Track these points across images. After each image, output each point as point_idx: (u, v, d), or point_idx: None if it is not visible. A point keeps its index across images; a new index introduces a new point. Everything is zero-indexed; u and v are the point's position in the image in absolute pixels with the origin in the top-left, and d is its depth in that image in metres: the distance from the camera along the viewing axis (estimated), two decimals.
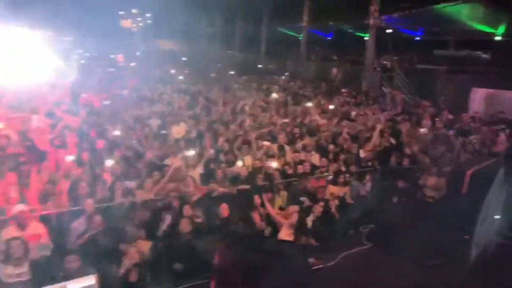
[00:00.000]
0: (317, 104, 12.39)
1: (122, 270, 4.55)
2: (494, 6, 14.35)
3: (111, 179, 5.91)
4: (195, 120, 8.93)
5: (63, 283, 3.01)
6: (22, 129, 7.05)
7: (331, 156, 7.82)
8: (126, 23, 30.53)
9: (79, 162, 6.18)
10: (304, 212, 5.80)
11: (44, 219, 4.92)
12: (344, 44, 24.19)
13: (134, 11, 30.85)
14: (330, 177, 7.18)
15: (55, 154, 6.60)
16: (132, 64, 20.39)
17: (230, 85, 15.61)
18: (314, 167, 7.31)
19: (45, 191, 5.35)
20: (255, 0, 23.41)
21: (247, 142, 7.66)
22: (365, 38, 19.32)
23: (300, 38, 24.69)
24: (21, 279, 4.23)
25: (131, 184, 5.95)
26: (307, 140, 8.47)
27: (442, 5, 15.01)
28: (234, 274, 4.47)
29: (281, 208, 6.19)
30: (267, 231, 5.79)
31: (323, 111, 11.32)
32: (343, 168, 7.30)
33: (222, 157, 7.11)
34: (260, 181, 6.42)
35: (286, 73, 21.86)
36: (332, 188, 6.94)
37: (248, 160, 7.15)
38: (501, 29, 15.64)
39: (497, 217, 3.27)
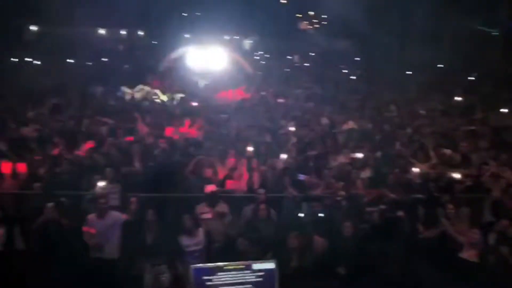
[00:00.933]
0: None
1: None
2: None
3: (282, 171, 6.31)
4: (363, 120, 8.76)
5: (249, 262, 3.33)
6: None
7: None
8: (304, 24, 31.96)
9: (257, 154, 6.79)
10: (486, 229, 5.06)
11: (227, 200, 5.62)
12: None
13: (311, 13, 32.05)
14: None
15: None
16: (307, 64, 21.29)
17: (406, 86, 14.69)
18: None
19: (228, 176, 6.12)
20: None
21: (423, 148, 7.09)
22: None
23: (495, 33, 21.29)
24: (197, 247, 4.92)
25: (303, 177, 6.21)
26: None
27: None
28: None
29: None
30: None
31: None
32: None
33: (394, 161, 6.76)
34: (436, 191, 5.85)
35: (475, 74, 19.21)
36: None
37: (423, 167, 6.60)
38: None
39: None
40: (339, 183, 5.87)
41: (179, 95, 11.79)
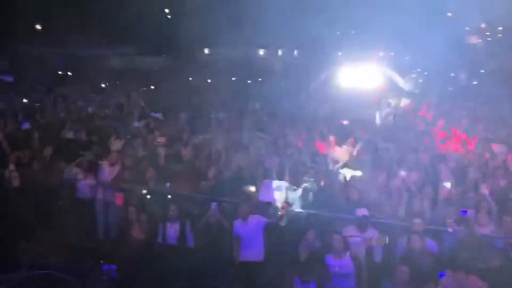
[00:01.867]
0: None
1: None
2: None
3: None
4: None
5: None
6: None
7: None
8: (473, 38, 28.54)
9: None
10: None
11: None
12: None
13: (482, 25, 28.42)
14: None
15: None
16: (475, 82, 18.92)
17: None
18: None
19: None
20: None
21: None
22: None
23: None
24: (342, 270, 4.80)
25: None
26: None
27: None
28: None
29: None
30: None
31: None
32: None
33: None
34: None
35: None
36: None
37: None
38: None
39: None
40: None
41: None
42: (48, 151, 7.67)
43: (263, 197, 5.82)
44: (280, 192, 5.88)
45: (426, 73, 23.12)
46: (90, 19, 25.32)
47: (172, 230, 5.84)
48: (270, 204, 5.89)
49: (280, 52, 29.95)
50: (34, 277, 4.00)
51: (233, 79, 21.12)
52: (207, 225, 5.77)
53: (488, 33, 28.40)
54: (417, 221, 5.19)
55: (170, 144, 8.15)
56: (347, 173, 6.69)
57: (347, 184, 6.30)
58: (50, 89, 15.28)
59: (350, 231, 5.21)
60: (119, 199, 6.64)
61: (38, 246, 5.62)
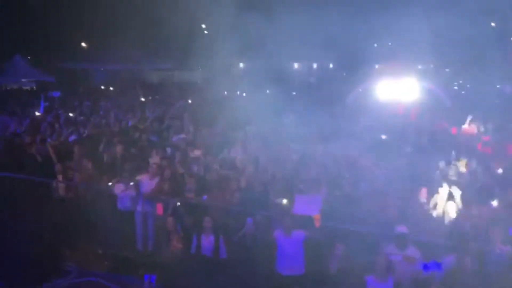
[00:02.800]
0: None
1: None
2: None
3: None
4: None
5: None
6: None
7: None
8: None
9: None
10: None
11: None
12: None
13: None
14: None
15: None
16: None
17: None
18: None
19: None
20: None
21: None
22: None
23: None
24: None
25: None
26: None
27: None
28: None
29: None
30: None
31: None
32: None
33: None
34: None
35: None
36: None
37: None
38: None
39: None
40: None
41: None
42: (89, 163, 7.99)
43: (299, 209, 5.76)
44: (316, 205, 5.79)
45: (468, 86, 22.31)
46: (130, 36, 26.38)
47: (207, 242, 5.90)
48: (306, 217, 5.82)
49: (315, 66, 29.93)
50: (80, 284, 4.16)
51: (267, 91, 21.27)
52: (243, 238, 5.78)
53: None
54: (472, 243, 4.93)
55: (206, 157, 8.27)
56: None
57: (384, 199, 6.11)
58: (93, 103, 16.01)
59: (389, 249, 5.04)
60: (159, 209, 6.82)
61: (80, 255, 5.85)
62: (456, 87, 21.16)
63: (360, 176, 6.99)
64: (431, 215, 5.81)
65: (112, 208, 7.21)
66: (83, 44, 33.96)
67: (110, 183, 7.36)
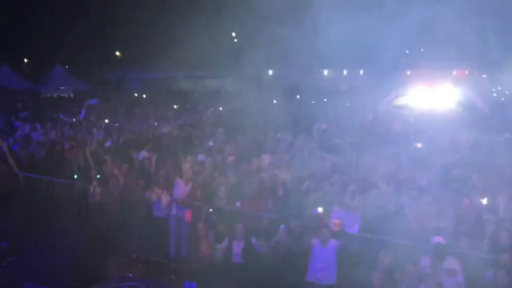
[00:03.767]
0: None
1: None
2: None
3: None
4: None
5: None
6: None
7: None
8: None
9: None
10: None
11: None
12: None
13: None
14: None
15: None
16: None
17: None
18: None
19: None
20: None
21: None
22: None
23: None
24: None
25: None
26: None
27: None
28: None
29: None
30: None
31: None
32: None
33: None
34: None
35: None
36: None
37: None
38: None
39: None
40: None
41: None
42: (124, 169, 8.20)
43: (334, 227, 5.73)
44: (354, 221, 5.75)
45: (507, 92, 21.44)
46: (162, 45, 27.05)
47: (238, 248, 5.91)
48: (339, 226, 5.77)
49: (345, 72, 29.65)
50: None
51: (298, 97, 21.25)
52: (276, 246, 5.76)
53: None
54: (506, 255, 4.74)
55: (238, 164, 8.31)
56: None
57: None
58: (127, 110, 16.47)
59: (425, 261, 4.88)
60: (188, 216, 6.89)
61: (115, 259, 5.98)
62: (494, 94, 20.37)
63: (398, 187, 6.80)
64: (472, 227, 5.57)
65: (147, 214, 7.34)
66: (117, 53, 35.17)
67: (144, 188, 7.50)
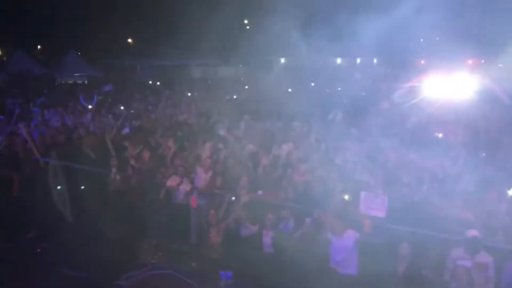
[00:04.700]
0: None
1: None
2: None
3: None
4: None
5: None
6: None
7: None
8: None
9: None
10: None
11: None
12: None
13: None
14: None
15: None
16: None
17: None
18: None
19: None
20: None
21: None
22: None
23: None
24: None
25: None
26: None
27: None
28: None
29: None
30: None
31: None
32: None
33: None
34: None
35: None
36: None
37: None
38: None
39: None
40: None
41: None
42: (142, 156, 8.19)
43: (365, 208, 5.65)
44: (383, 205, 5.64)
45: None
46: (174, 32, 26.90)
47: (268, 237, 5.90)
48: (364, 217, 5.69)
49: (358, 61, 29.27)
50: (155, 276, 4.26)
51: (312, 84, 21.07)
52: (302, 237, 5.73)
53: None
54: None
55: (257, 153, 8.25)
56: None
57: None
58: (142, 97, 16.47)
59: (458, 253, 4.80)
60: (193, 202, 6.90)
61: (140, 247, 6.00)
62: None
63: (421, 178, 6.68)
64: (503, 219, 5.47)
65: (167, 201, 7.34)
66: (130, 40, 35.12)
67: (164, 177, 7.49)
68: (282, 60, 32.03)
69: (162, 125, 10.95)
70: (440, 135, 9.62)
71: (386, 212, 5.66)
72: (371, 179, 6.52)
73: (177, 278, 4.52)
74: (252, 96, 16.68)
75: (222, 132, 9.90)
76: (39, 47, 33.86)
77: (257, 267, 5.52)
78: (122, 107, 13.07)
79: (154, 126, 10.81)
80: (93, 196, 7.43)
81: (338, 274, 5.38)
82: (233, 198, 6.42)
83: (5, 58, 28.94)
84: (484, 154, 7.94)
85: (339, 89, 19.59)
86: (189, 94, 17.93)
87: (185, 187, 7.11)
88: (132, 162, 8.08)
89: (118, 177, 7.85)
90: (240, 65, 31.57)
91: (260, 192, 6.52)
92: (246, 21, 33.46)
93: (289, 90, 18.85)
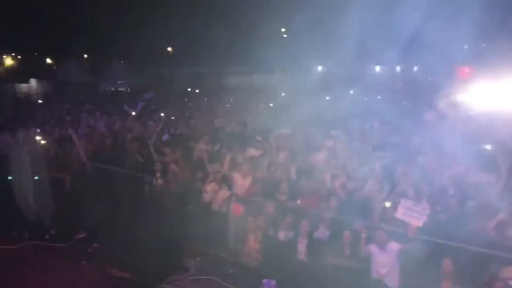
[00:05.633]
0: None
1: None
2: None
3: None
4: None
5: None
6: None
7: None
8: None
9: None
10: None
11: None
12: None
13: None
14: None
15: None
16: None
17: None
18: None
19: None
20: None
21: None
22: None
23: None
24: None
25: None
26: None
27: None
28: None
29: None
30: None
31: None
32: None
33: None
34: None
35: None
36: None
37: None
38: None
39: None
40: None
41: None
42: (182, 162, 8.37)
43: (403, 214, 5.47)
44: (423, 212, 5.44)
45: None
46: (212, 41, 27.47)
47: (302, 245, 5.86)
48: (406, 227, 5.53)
49: (398, 69, 28.62)
50: (199, 280, 4.35)
51: (351, 92, 20.79)
52: (340, 248, 5.64)
53: None
54: None
55: (294, 160, 8.23)
56: None
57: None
58: (181, 104, 16.91)
59: (510, 272, 4.55)
60: (238, 210, 6.92)
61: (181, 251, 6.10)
62: None
63: (467, 192, 6.40)
64: None
65: (205, 205, 7.45)
66: (169, 49, 36.21)
67: (203, 182, 7.61)
68: (320, 68, 31.84)
69: (200, 131, 11.16)
70: (488, 147, 9.15)
71: (424, 222, 5.43)
72: (413, 189, 6.32)
73: (219, 284, 4.56)
74: (289, 104, 16.67)
75: (259, 139, 9.95)
76: (85, 56, 35.59)
77: (294, 275, 5.48)
78: (162, 114, 13.46)
79: (192, 133, 11.05)
80: (137, 199, 7.67)
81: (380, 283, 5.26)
82: (273, 206, 6.43)
83: (55, 67, 30.65)
84: None
85: (378, 97, 19.19)
86: (228, 101, 18.20)
87: (223, 193, 7.19)
88: (172, 167, 8.27)
89: (160, 181, 8.06)
90: (277, 73, 31.68)
91: (298, 201, 6.48)
92: (283, 29, 33.58)
93: (327, 98, 18.70)
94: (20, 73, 25.51)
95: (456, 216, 5.93)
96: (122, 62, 30.23)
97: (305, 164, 8.01)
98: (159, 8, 31.42)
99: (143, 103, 14.46)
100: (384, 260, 5.38)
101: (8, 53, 28.85)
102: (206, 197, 7.43)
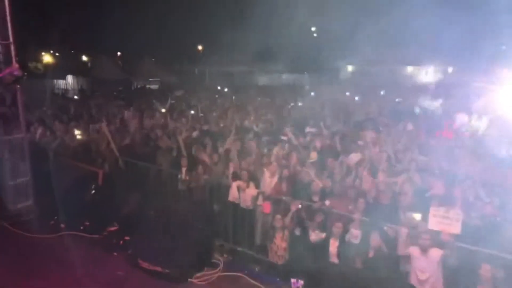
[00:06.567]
0: None
1: None
2: None
3: None
4: None
5: None
6: None
7: None
8: None
9: None
10: None
11: None
12: None
13: None
14: None
15: None
16: None
17: None
18: None
19: None
20: None
21: None
22: None
23: None
24: None
25: None
26: None
27: None
28: None
29: None
30: None
31: None
32: None
33: None
34: None
35: None
36: None
37: None
38: None
39: None
40: None
41: None
42: (211, 158, 8.47)
43: (435, 224, 5.32)
44: (455, 219, 5.27)
45: None
46: (242, 40, 27.53)
47: (334, 247, 5.80)
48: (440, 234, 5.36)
49: (430, 69, 27.82)
50: (227, 276, 4.39)
51: (382, 93, 20.42)
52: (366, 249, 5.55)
53: None
54: None
55: (323, 160, 8.15)
56: None
57: None
58: (211, 102, 17.07)
59: None
60: (267, 208, 6.92)
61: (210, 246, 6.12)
62: None
63: (506, 198, 6.14)
64: None
65: (233, 203, 7.49)
66: (200, 47, 36.67)
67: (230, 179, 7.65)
68: (350, 68, 31.41)
69: (229, 129, 11.23)
70: None
71: (461, 229, 5.26)
72: (445, 193, 6.14)
73: (247, 281, 4.57)
74: (318, 103, 16.53)
75: (287, 138, 9.91)
76: (118, 53, 36.54)
77: (322, 276, 5.43)
78: (192, 111, 13.64)
79: (221, 130, 11.13)
80: (168, 194, 7.81)
81: None
82: (300, 205, 6.39)
83: (89, 64, 31.65)
84: None
85: (409, 98, 18.71)
86: (256, 99, 18.23)
87: (251, 191, 7.21)
88: (201, 163, 8.37)
89: (187, 176, 8.17)
90: (306, 73, 31.53)
91: (327, 202, 6.41)
92: (313, 29, 33.32)
93: (356, 98, 18.41)
94: (57, 70, 26.51)
95: (490, 223, 5.72)
96: (153, 59, 30.86)
97: (334, 165, 7.91)
98: (190, 7, 31.87)
99: (173, 101, 14.69)
100: (425, 265, 5.24)
101: (47, 51, 30.02)
102: (234, 194, 7.45)
